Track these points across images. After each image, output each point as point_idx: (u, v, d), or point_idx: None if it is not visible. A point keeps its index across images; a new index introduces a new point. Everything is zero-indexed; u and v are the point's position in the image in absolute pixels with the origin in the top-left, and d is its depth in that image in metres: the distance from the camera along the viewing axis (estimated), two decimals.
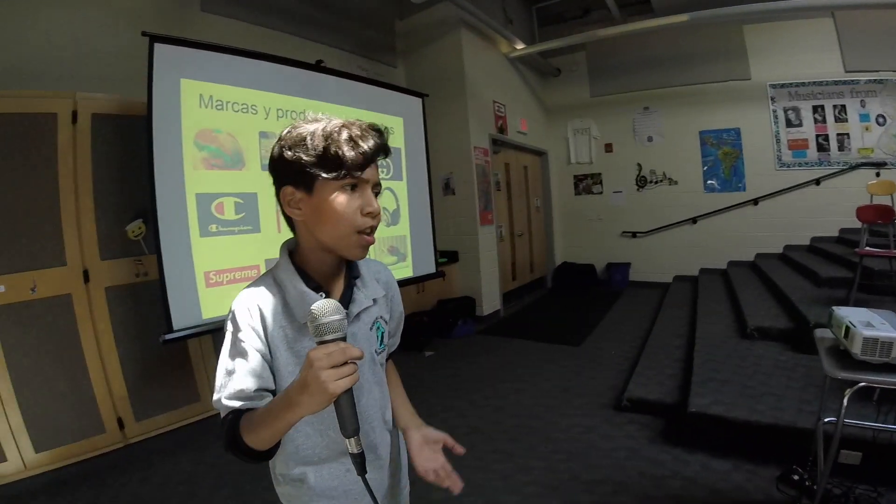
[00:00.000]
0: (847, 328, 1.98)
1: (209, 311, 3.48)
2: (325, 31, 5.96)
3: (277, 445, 1.02)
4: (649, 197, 8.68)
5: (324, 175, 0.98)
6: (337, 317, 0.88)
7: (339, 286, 1.15)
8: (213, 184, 3.55)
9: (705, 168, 8.15)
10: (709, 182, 8.15)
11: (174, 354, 3.88)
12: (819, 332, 2.36)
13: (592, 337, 5.86)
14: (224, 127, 3.61)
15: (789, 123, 7.45)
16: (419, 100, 5.41)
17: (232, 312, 1.05)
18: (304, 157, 0.98)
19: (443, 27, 6.86)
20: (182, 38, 3.50)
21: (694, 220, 8.27)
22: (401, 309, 1.36)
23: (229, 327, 1.05)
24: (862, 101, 7.04)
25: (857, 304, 4.06)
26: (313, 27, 5.81)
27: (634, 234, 8.84)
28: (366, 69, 6.42)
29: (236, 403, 0.98)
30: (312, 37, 5.80)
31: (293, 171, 1.01)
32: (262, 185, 3.79)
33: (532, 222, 9.03)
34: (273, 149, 1.07)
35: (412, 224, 5.14)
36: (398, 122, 5.08)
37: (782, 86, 7.41)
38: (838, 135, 7.23)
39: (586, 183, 9.30)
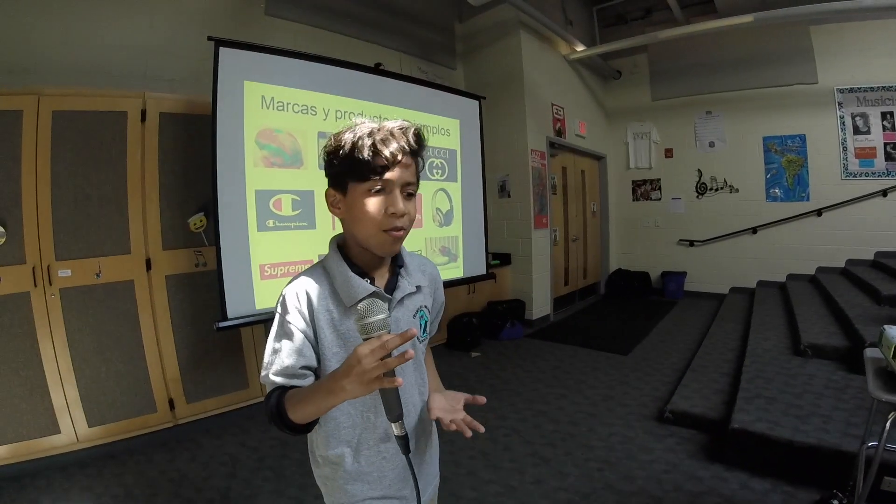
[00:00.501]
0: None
1: (262, 302, 3.63)
2: (385, 33, 6.07)
3: (316, 421, 1.13)
4: (709, 204, 8.42)
5: (351, 180, 1.11)
6: (381, 315, 0.97)
7: (383, 274, 1.25)
8: (272, 181, 3.70)
9: (768, 176, 7.81)
10: (771, 191, 7.81)
11: (227, 342, 4.05)
12: (869, 352, 2.29)
13: (641, 346, 5.79)
14: (284, 127, 3.76)
15: (857, 130, 7.07)
16: (476, 102, 5.46)
17: (282, 297, 1.17)
18: (338, 164, 1.12)
19: (502, 29, 6.88)
20: (245, 42, 3.66)
21: (754, 230, 7.96)
22: (442, 299, 1.44)
23: (279, 310, 1.16)
24: None
25: None
26: (374, 30, 5.93)
27: (692, 243, 8.62)
28: (425, 71, 6.51)
29: (281, 380, 1.09)
30: (373, 39, 5.92)
31: (332, 176, 1.16)
32: (319, 183, 3.86)
33: (587, 227, 8.94)
34: (322, 152, 1.19)
35: (465, 225, 5.20)
36: (455, 123, 5.14)
37: (850, 90, 7.03)
38: None
39: (645, 188, 9.13)
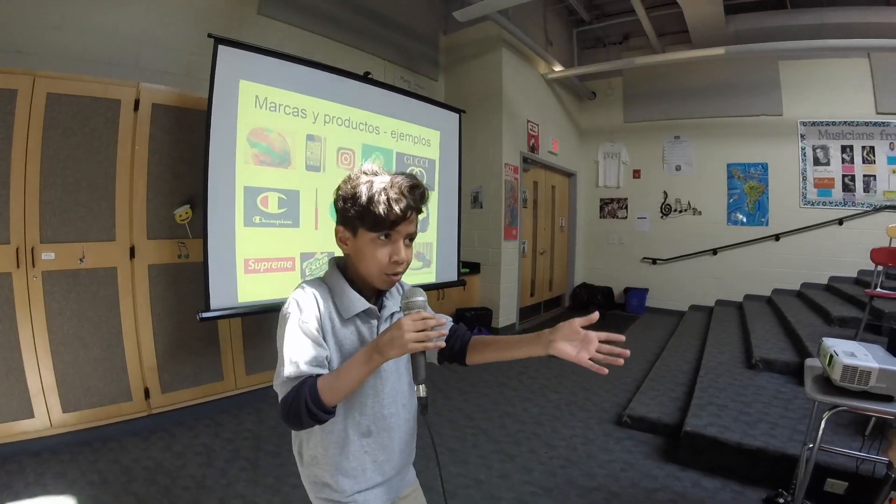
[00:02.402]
0: (831, 357, 2.16)
1: (245, 295, 3.68)
2: (371, 40, 6.20)
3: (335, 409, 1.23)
4: (672, 225, 8.77)
5: (361, 227, 1.25)
6: (421, 298, 1.22)
7: (374, 295, 1.38)
8: (260, 178, 3.76)
9: (730, 200, 8.21)
10: (733, 214, 8.21)
11: (205, 334, 4.09)
12: (809, 362, 2.57)
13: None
14: (275, 127, 3.82)
15: (817, 161, 7.51)
16: (457, 115, 5.60)
17: (295, 301, 1.28)
18: (352, 211, 1.25)
19: (485, 45, 7.07)
20: (244, 42, 3.72)
21: (715, 252, 8.33)
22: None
23: (294, 312, 1.26)
24: (892, 143, 7.10)
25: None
26: (361, 36, 6.05)
27: (655, 261, 8.93)
28: (408, 80, 6.66)
29: (309, 368, 1.19)
30: (359, 45, 6.04)
31: (344, 217, 1.29)
32: (305, 183, 4.02)
33: (555, 241, 9.15)
34: (336, 192, 1.32)
35: (439, 233, 5.32)
36: (435, 134, 5.27)
37: (813, 123, 7.48)
38: (865, 176, 7.27)
39: (612, 206, 9.43)
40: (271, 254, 3.84)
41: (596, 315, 1.27)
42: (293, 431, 1.40)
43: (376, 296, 1.38)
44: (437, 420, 4.04)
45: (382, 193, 1.21)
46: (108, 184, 3.60)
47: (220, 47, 3.51)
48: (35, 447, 3.35)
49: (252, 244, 3.73)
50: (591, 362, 1.24)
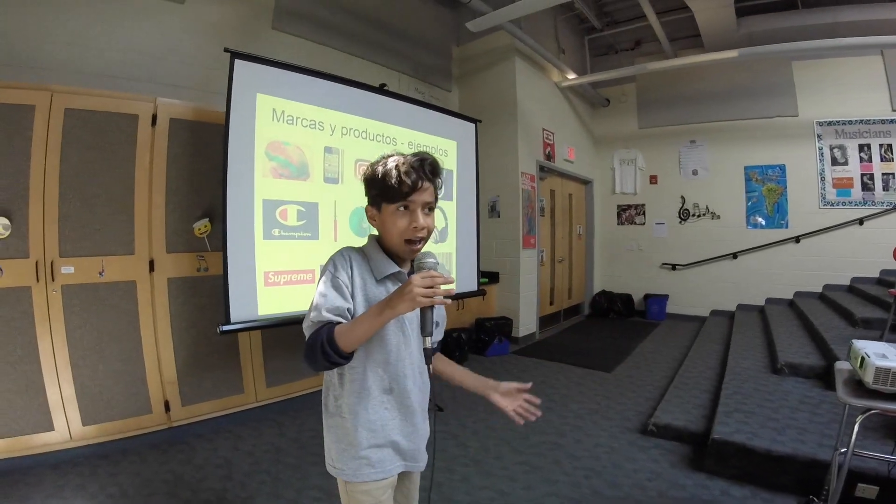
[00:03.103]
0: (862, 359, 2.10)
1: (265, 308, 3.66)
2: (386, 53, 6.23)
3: (353, 353, 1.38)
4: (691, 230, 8.68)
5: (383, 202, 1.44)
6: (432, 260, 1.35)
7: (406, 266, 1.53)
8: (279, 191, 3.75)
9: (749, 203, 8.11)
10: (751, 218, 8.10)
11: (225, 347, 4.08)
12: (839, 364, 2.49)
13: (625, 364, 5.93)
14: (293, 140, 3.82)
15: (835, 161, 7.39)
16: (472, 125, 5.57)
17: (332, 260, 1.47)
18: (373, 190, 1.47)
19: (498, 55, 7.08)
20: (260, 56, 3.73)
21: (735, 256, 8.21)
22: (444, 312, 1.71)
23: (329, 268, 1.44)
24: None
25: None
26: (374, 49, 6.08)
27: (674, 267, 8.83)
28: (422, 92, 6.67)
29: (331, 315, 1.35)
30: (373, 58, 6.06)
31: (370, 197, 1.50)
32: (324, 196, 4.02)
33: (573, 249, 9.12)
34: (363, 178, 1.52)
35: (459, 243, 5.27)
36: (452, 145, 5.24)
37: (829, 123, 7.37)
38: (884, 174, 7.15)
39: (629, 213, 9.36)
40: (291, 266, 3.82)
41: (529, 385, 1.70)
42: (324, 383, 1.57)
43: (410, 267, 1.50)
44: (461, 432, 4.00)
45: (394, 170, 1.40)
46: (126, 198, 3.62)
47: (237, 61, 3.52)
48: (55, 460, 3.35)
49: (271, 257, 3.71)
50: (513, 413, 1.66)
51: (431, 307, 1.31)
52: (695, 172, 8.60)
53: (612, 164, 9.44)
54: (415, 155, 1.45)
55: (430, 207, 1.47)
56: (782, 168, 7.79)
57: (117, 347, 3.60)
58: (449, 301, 1.36)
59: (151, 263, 3.72)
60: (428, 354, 1.37)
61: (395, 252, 1.49)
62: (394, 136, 4.56)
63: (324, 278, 1.43)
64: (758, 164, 8.00)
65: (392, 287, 1.46)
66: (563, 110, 8.38)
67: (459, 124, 5.43)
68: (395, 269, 1.48)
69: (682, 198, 8.75)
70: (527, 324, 7.26)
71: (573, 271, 9.12)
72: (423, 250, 1.43)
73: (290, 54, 4.86)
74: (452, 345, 5.93)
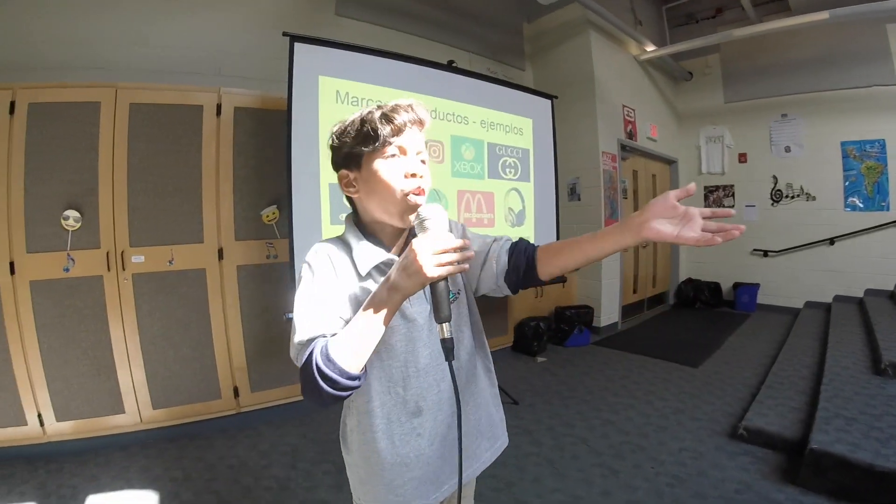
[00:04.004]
0: None
1: None
2: (454, 34, 6.08)
3: (364, 376, 1.07)
4: (784, 213, 8.00)
5: (365, 149, 1.14)
6: (440, 214, 1.03)
7: (399, 245, 1.24)
8: None
9: (846, 183, 7.32)
10: (850, 199, 7.31)
11: None
12: None
13: (713, 359, 5.55)
14: None
15: None
16: (548, 102, 5.35)
17: (306, 264, 1.17)
18: (348, 140, 1.16)
19: (571, 29, 6.78)
20: (319, 38, 3.68)
21: (831, 241, 7.49)
22: (473, 237, 1.34)
23: (306, 276, 1.15)
24: None
25: None
26: (442, 30, 5.94)
27: (766, 253, 8.21)
28: (494, 72, 6.45)
29: (321, 330, 1.05)
30: (442, 39, 5.93)
31: (343, 156, 1.19)
32: None
33: None
34: (328, 141, 1.24)
35: (537, 226, 5.10)
36: (527, 123, 5.05)
37: None
38: None
39: (717, 195, 8.75)
40: None
41: (693, 186, 1.01)
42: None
43: (405, 244, 1.23)
44: (535, 427, 3.82)
45: (377, 110, 1.15)
46: (194, 187, 3.66)
47: (297, 45, 3.48)
48: (124, 441, 3.48)
49: None
50: (696, 236, 0.99)
51: (446, 279, 1.00)
52: (787, 149, 7.89)
53: (697, 142, 8.85)
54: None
55: (422, 158, 1.18)
56: (882, 143, 7.00)
57: (187, 334, 3.66)
58: (467, 267, 1.03)
59: (220, 251, 3.75)
60: (447, 347, 1.02)
61: (386, 227, 1.20)
62: (465, 114, 4.41)
63: (299, 290, 1.14)
64: (855, 140, 7.21)
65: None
66: (643, 85, 7.94)
67: (534, 101, 5.22)
68: (384, 255, 1.17)
69: (774, 177, 8.07)
70: (609, 313, 6.98)
71: (658, 258, 8.70)
72: (426, 206, 1.08)
73: (356, 39, 4.74)
74: (531, 334, 5.77)
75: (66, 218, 3.22)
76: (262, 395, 3.96)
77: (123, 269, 3.40)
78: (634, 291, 8.02)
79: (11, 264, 3.15)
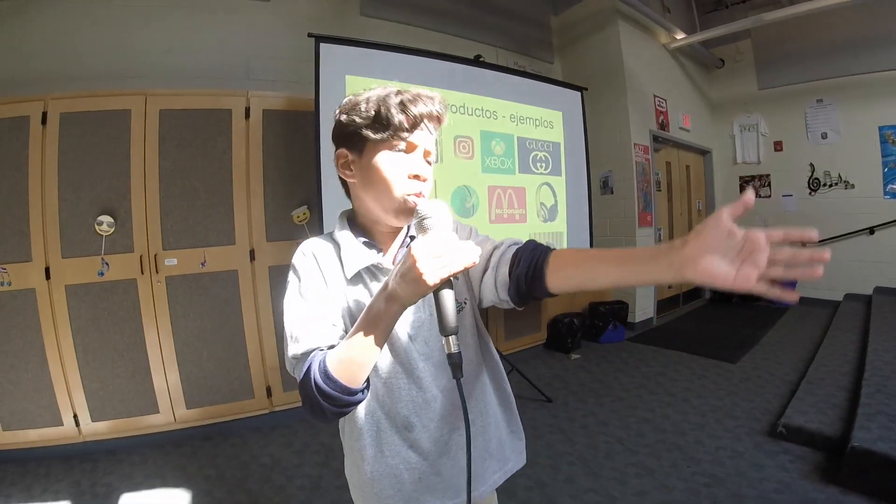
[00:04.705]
0: None
1: None
2: (480, 29, 6.03)
3: (368, 385, 0.98)
4: (822, 202, 7.75)
5: (372, 136, 1.04)
6: (441, 212, 0.92)
7: (394, 246, 1.16)
8: None
9: (885, 170, 7.06)
10: (889, 186, 7.05)
11: None
12: None
13: (750, 355, 5.41)
14: None
15: None
16: (578, 94, 5.30)
17: (292, 267, 1.09)
18: (357, 120, 1.05)
19: (598, 19, 6.68)
20: (344, 37, 3.73)
21: (871, 231, 7.23)
22: (481, 240, 1.15)
23: (292, 280, 1.07)
24: None
25: None
26: (469, 26, 5.90)
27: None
28: (522, 66, 6.39)
29: (316, 342, 0.98)
30: (468, 35, 5.89)
31: (347, 134, 1.09)
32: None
33: (693, 226, 8.43)
34: (333, 115, 1.14)
35: (569, 221, 5.05)
36: (557, 116, 5.00)
37: None
38: None
39: (753, 185, 8.52)
40: None
41: (751, 197, 0.70)
42: None
43: (401, 243, 1.17)
44: (569, 426, 3.78)
45: (396, 95, 1.05)
46: (225, 190, 3.70)
47: (322, 45, 3.51)
48: (159, 440, 3.55)
49: None
50: (765, 286, 0.70)
51: (450, 283, 0.89)
52: (824, 136, 7.63)
53: (731, 131, 8.64)
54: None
55: (430, 160, 1.10)
56: None
57: (220, 335, 3.72)
58: (472, 263, 0.88)
59: (252, 252, 3.78)
60: (455, 364, 0.91)
61: (380, 224, 1.12)
62: (494, 109, 4.39)
63: (287, 296, 1.06)
64: (893, 124, 6.97)
65: (373, 285, 1.08)
66: (674, 74, 7.78)
67: (564, 93, 5.18)
68: (373, 259, 1.08)
69: (812, 165, 7.82)
70: (644, 308, 6.87)
71: None
72: (425, 202, 1.01)
73: (382, 38, 4.77)
74: (564, 331, 5.71)
75: (100, 223, 3.29)
76: (294, 394, 3.93)
77: (157, 273, 3.46)
78: (669, 287, 7.84)
79: (47, 269, 3.23)
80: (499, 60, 6.02)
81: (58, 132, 3.23)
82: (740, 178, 8.64)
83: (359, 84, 3.57)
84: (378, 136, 1.03)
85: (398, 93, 1.05)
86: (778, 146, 8.16)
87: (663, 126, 7.21)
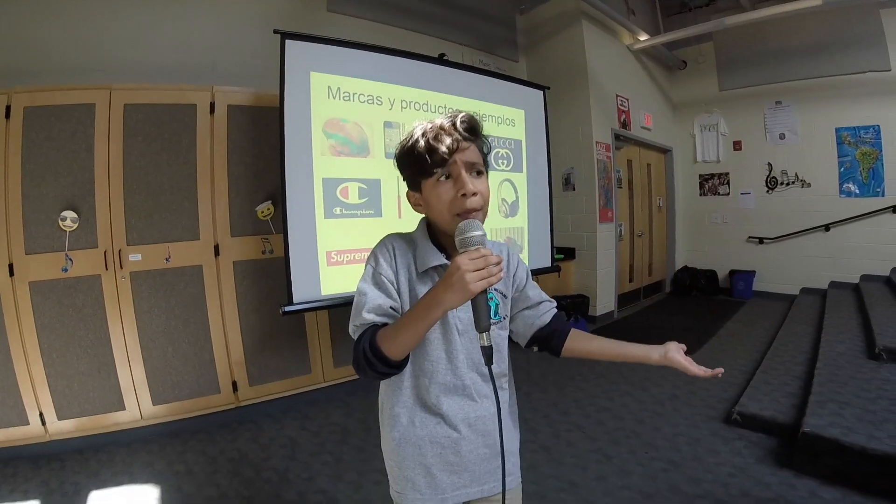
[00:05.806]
0: None
1: (328, 287, 3.66)
2: (446, 27, 6.11)
3: (407, 360, 1.21)
4: (779, 200, 8.02)
5: (420, 178, 1.23)
6: (479, 232, 1.10)
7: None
8: (339, 169, 3.72)
9: (841, 170, 7.34)
10: (845, 185, 7.33)
11: (291, 327, 4.13)
12: None
13: (708, 346, 5.61)
14: (351, 117, 3.77)
15: None
16: (540, 92, 5.36)
17: (373, 252, 1.30)
18: (407, 170, 1.28)
19: (564, 20, 6.80)
20: (310, 34, 3.70)
21: (827, 228, 7.51)
22: (524, 276, 1.51)
23: (370, 261, 1.29)
24: None
25: None
26: (435, 24, 5.97)
27: (761, 240, 8.24)
28: (487, 64, 6.47)
29: (372, 316, 1.19)
30: (434, 33, 5.96)
31: (407, 179, 1.31)
32: (386, 172, 3.93)
33: (653, 222, 8.72)
34: (395, 160, 1.33)
35: (530, 217, 5.10)
36: (520, 114, 5.05)
37: None
38: None
39: (712, 183, 8.79)
40: (354, 245, 3.79)
41: (720, 370, 1.28)
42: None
43: None
44: (532, 416, 3.86)
45: (421, 139, 1.20)
46: (189, 185, 3.69)
47: (288, 42, 3.51)
48: (126, 438, 3.53)
49: (334, 236, 3.70)
50: (703, 369, 1.28)
51: (486, 292, 1.08)
52: (782, 136, 7.90)
53: (692, 130, 8.87)
54: (445, 116, 1.24)
55: (477, 170, 1.23)
56: (877, 129, 6.99)
57: (185, 330, 3.71)
58: (502, 276, 1.13)
59: (217, 248, 3.78)
60: (487, 354, 1.11)
61: (446, 236, 1.27)
62: (456, 107, 4.36)
63: (364, 274, 1.27)
64: (850, 126, 7.21)
65: (437, 282, 1.21)
66: (637, 75, 7.96)
67: (526, 91, 5.24)
68: (440, 260, 1.26)
69: (769, 165, 8.09)
70: (605, 302, 7.02)
71: (654, 246, 8.73)
72: (465, 221, 1.14)
73: (349, 34, 4.78)
74: None
75: (64, 219, 3.25)
76: (260, 388, 4.00)
77: (121, 268, 3.44)
78: (630, 280, 8.05)
79: (10, 266, 3.18)
80: (465, 58, 6.10)
81: (21, 126, 3.18)
82: (700, 175, 8.92)
83: (324, 81, 3.62)
84: (423, 177, 1.22)
85: (423, 134, 1.20)
86: (737, 145, 8.43)
87: (625, 125, 7.37)
